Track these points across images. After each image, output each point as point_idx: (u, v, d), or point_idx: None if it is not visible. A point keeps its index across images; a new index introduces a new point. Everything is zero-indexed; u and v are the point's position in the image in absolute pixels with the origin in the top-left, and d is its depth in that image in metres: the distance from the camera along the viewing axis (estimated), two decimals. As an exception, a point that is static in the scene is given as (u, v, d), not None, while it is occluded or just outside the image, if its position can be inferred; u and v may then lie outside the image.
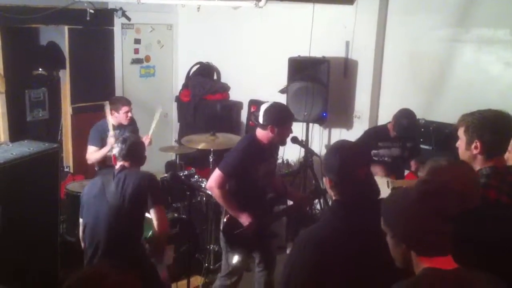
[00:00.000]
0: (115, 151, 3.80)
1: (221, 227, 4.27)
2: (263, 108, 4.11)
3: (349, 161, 2.36)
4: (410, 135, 5.32)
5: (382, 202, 2.06)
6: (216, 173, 4.09)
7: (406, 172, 5.51)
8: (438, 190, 1.88)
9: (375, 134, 5.41)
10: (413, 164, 5.34)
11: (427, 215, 1.85)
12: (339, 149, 2.43)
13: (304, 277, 2.26)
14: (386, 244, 2.13)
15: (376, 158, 5.30)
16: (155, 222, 3.67)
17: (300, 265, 2.28)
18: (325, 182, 2.45)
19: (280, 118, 4.06)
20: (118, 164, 3.76)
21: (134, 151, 3.79)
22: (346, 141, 2.60)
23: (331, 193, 2.44)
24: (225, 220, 4.23)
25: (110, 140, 5.39)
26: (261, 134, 4.11)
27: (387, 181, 4.95)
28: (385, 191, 4.94)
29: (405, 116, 5.13)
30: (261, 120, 4.05)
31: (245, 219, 4.08)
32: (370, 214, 2.34)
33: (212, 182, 4.09)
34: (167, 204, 5.34)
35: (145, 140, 5.51)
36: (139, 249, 3.73)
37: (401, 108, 5.23)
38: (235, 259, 4.30)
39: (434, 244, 1.86)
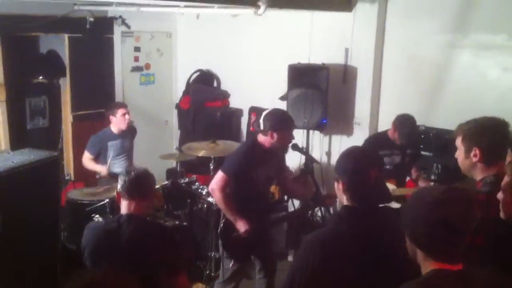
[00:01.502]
0: (119, 186, 3.26)
1: (218, 230, 4.28)
2: (263, 114, 4.15)
3: (362, 161, 2.43)
4: (413, 142, 5.32)
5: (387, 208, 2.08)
6: (219, 175, 4.12)
7: (407, 179, 5.51)
8: (451, 199, 1.86)
9: (376, 143, 5.37)
10: (413, 172, 5.34)
11: (435, 223, 1.84)
12: (352, 152, 2.52)
13: (307, 278, 2.29)
14: (391, 251, 2.16)
15: None
16: None
17: (305, 266, 2.31)
18: (337, 188, 2.48)
19: (279, 123, 4.09)
20: (123, 206, 3.21)
21: (139, 185, 3.20)
22: (358, 147, 2.76)
23: (341, 198, 2.47)
24: (221, 224, 4.25)
25: (103, 169, 5.56)
26: (262, 139, 4.14)
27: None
28: None
29: (405, 125, 5.11)
30: (261, 126, 4.08)
31: (241, 226, 4.10)
32: (377, 221, 2.37)
33: (214, 184, 4.12)
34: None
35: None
36: None
37: (399, 114, 5.21)
38: (230, 263, 4.31)
39: (441, 251, 1.87)
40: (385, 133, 5.35)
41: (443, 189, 1.91)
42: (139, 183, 3.19)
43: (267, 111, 4.21)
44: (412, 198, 2.01)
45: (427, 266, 1.90)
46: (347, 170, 2.41)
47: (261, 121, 4.11)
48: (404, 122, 5.11)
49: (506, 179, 2.45)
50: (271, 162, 4.29)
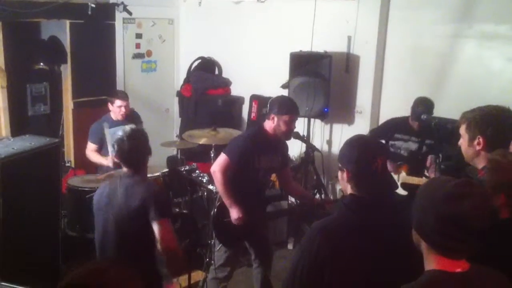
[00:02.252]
0: (114, 153, 3.43)
1: (211, 213, 4.30)
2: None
3: (368, 150, 2.39)
4: (431, 129, 5.29)
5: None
6: (222, 157, 4.13)
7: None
8: (464, 195, 1.77)
9: (394, 125, 5.40)
10: (429, 159, 5.31)
11: (443, 217, 1.78)
12: (357, 141, 2.48)
13: (311, 267, 2.27)
14: (398, 241, 2.14)
15: (392, 150, 5.28)
16: (157, 238, 3.27)
17: (309, 254, 2.29)
18: (341, 178, 2.46)
19: (280, 106, 4.12)
20: (124, 169, 3.44)
21: (134, 157, 3.37)
22: (362, 135, 2.68)
23: (345, 187, 2.45)
24: (215, 208, 4.26)
25: (108, 159, 5.40)
26: (267, 124, 4.17)
27: (398, 175, 4.96)
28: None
29: (420, 104, 5.07)
30: (267, 110, 4.14)
31: (235, 213, 4.10)
32: (384, 210, 2.37)
33: (216, 166, 4.13)
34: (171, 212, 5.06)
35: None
36: (150, 261, 3.39)
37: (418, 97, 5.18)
38: (218, 247, 4.32)
39: (445, 246, 1.81)
40: (405, 118, 5.33)
41: (457, 183, 1.81)
42: (133, 156, 3.36)
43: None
44: (424, 187, 1.95)
45: (429, 259, 1.86)
46: (353, 159, 2.38)
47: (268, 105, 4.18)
48: (420, 101, 5.08)
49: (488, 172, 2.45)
50: (275, 153, 4.28)
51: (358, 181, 2.38)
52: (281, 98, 4.34)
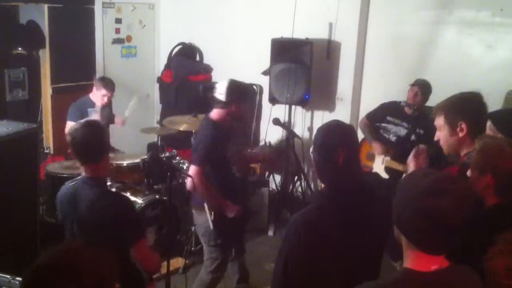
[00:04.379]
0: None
1: (211, 226, 4.03)
2: (222, 86, 3.97)
3: (330, 137, 2.34)
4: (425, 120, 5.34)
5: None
6: (195, 170, 3.94)
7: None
8: (444, 190, 1.70)
9: (388, 107, 5.38)
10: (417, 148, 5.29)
11: (421, 213, 1.72)
12: (326, 127, 2.41)
13: (301, 258, 2.25)
14: (377, 227, 2.18)
15: (381, 131, 5.30)
16: (138, 260, 3.08)
17: (296, 246, 2.26)
18: (313, 162, 2.45)
19: (241, 94, 4.03)
20: (81, 168, 3.09)
21: (88, 151, 3.01)
22: (337, 121, 2.50)
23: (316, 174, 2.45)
24: (212, 218, 4.03)
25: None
26: (220, 114, 4.01)
27: (383, 158, 4.99)
28: (379, 167, 5.02)
29: (422, 80, 5.21)
30: (223, 97, 3.93)
31: (230, 208, 4.01)
32: (361, 195, 2.35)
33: (196, 181, 3.91)
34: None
35: (119, 122, 5.79)
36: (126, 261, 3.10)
37: None
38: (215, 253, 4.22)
39: (423, 242, 1.76)
40: (400, 102, 5.34)
41: (436, 178, 1.75)
42: (87, 149, 2.99)
43: (223, 82, 4.01)
44: (404, 180, 1.88)
45: (407, 254, 1.82)
46: (317, 144, 2.35)
47: (221, 93, 3.94)
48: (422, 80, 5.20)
49: (474, 156, 2.42)
50: (232, 137, 4.23)
51: (317, 168, 2.37)
52: (235, 85, 4.00)
